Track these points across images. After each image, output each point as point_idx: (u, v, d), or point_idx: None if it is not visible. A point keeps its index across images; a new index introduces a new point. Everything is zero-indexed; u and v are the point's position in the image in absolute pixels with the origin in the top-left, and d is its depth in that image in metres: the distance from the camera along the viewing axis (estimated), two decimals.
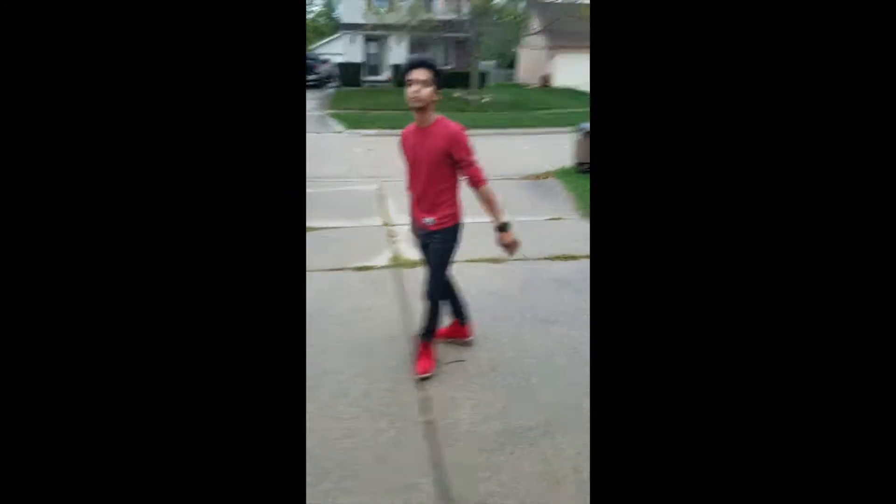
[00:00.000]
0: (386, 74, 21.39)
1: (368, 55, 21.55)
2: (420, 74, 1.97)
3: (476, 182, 2.08)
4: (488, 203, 2.11)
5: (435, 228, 2.14)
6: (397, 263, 3.59)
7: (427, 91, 1.98)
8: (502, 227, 2.12)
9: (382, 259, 3.65)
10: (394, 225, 4.44)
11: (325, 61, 20.70)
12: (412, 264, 3.45)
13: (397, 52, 21.14)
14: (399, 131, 2.28)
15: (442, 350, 2.44)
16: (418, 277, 2.43)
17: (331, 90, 18.75)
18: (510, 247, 2.15)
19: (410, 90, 1.99)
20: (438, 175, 2.08)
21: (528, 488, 1.67)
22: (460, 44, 20.04)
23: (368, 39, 21.26)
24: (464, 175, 2.10)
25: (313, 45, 25.09)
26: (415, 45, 20.20)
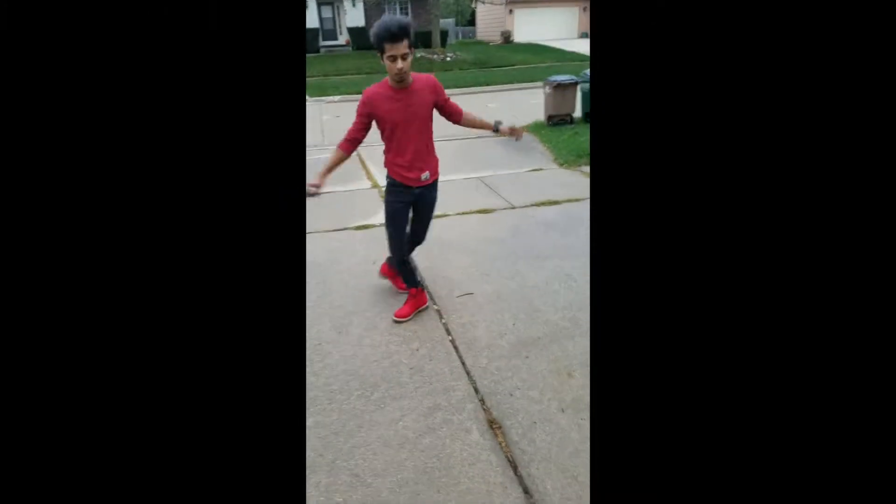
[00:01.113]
0: (343, 38, 20.83)
1: (323, 20, 20.87)
2: (403, 48, 1.88)
3: (458, 113, 2.26)
4: (475, 120, 2.32)
5: (431, 181, 2.27)
6: None
7: (409, 60, 1.93)
8: (497, 126, 2.35)
9: (379, 218, 3.89)
10: (382, 187, 4.65)
11: None
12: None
13: (353, 14, 20.54)
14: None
15: (455, 285, 2.75)
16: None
17: None
18: (516, 132, 2.37)
19: (395, 66, 1.91)
20: (427, 129, 2.16)
21: (545, 381, 2.03)
22: (418, 2, 19.57)
23: (322, 3, 20.53)
24: (448, 112, 2.24)
25: None
26: (370, 7, 19.65)
